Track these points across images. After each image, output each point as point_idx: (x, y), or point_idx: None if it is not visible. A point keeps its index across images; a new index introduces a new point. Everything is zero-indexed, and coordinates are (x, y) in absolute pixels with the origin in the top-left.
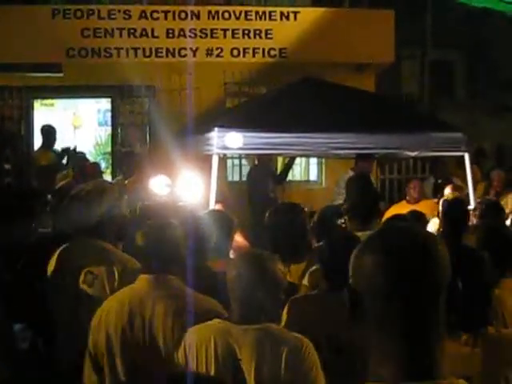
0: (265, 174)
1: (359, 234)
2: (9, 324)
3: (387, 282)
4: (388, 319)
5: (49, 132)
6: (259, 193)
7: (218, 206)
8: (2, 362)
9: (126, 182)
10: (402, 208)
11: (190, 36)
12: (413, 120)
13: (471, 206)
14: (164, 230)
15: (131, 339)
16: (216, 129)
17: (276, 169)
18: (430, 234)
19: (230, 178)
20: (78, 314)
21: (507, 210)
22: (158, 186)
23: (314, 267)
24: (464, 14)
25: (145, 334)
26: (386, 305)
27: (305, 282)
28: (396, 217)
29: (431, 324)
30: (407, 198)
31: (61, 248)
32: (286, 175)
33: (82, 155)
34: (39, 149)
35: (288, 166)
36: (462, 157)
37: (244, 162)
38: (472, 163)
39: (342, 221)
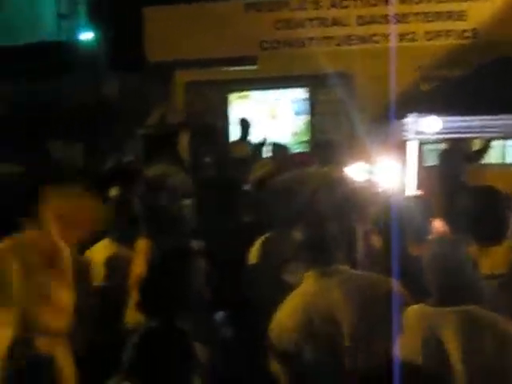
0: (457, 156)
1: None
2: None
3: None
4: None
5: (244, 124)
6: (450, 176)
7: (418, 192)
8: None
9: (325, 170)
10: None
11: (380, 22)
12: None
13: None
14: None
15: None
16: (411, 114)
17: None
18: None
19: (426, 163)
20: (278, 303)
21: None
22: (356, 172)
23: None
24: None
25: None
26: None
27: None
28: None
29: None
30: None
31: (264, 237)
32: (481, 157)
33: (279, 145)
34: (235, 141)
35: (484, 149)
36: None
37: (442, 146)
38: None
39: None
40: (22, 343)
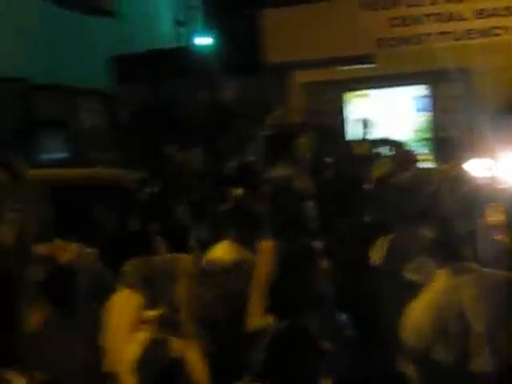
0: None
1: None
2: None
3: None
4: None
5: (365, 124)
6: None
7: None
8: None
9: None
10: None
11: (501, 14)
12: None
13: None
14: None
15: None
16: None
17: None
18: None
19: None
20: (402, 302)
21: None
22: (478, 169)
23: None
24: None
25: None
26: None
27: None
28: None
29: None
30: None
31: (387, 237)
32: None
33: (399, 143)
34: (356, 140)
35: None
36: None
37: None
38: None
39: None
40: (158, 345)
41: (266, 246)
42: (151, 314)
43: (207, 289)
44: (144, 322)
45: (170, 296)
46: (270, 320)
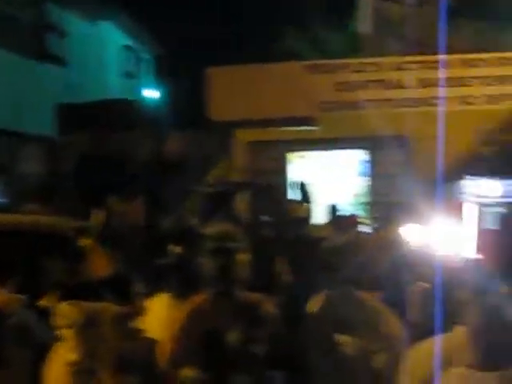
0: None
1: None
2: None
3: None
4: None
5: (304, 185)
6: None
7: (476, 255)
8: None
9: (383, 231)
10: None
11: (442, 85)
12: None
13: None
14: None
15: None
16: (470, 176)
17: None
18: None
19: (486, 226)
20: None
21: None
22: (413, 234)
23: None
24: None
25: None
26: None
27: None
28: None
29: None
30: None
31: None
32: None
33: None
34: (295, 200)
35: None
36: None
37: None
38: None
39: None
40: None
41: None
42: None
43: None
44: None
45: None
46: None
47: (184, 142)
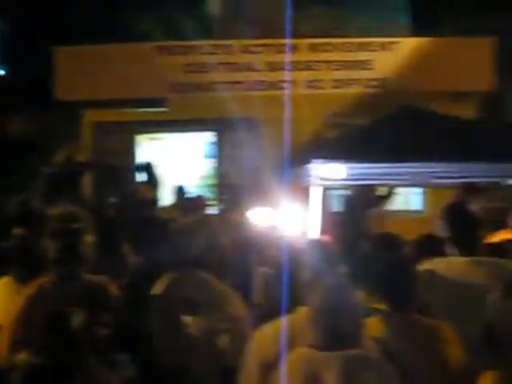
0: (360, 203)
1: (471, 259)
2: None
3: None
4: None
5: (150, 167)
6: (353, 222)
7: (324, 238)
8: None
9: (228, 214)
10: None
11: (290, 69)
12: None
13: None
14: None
15: None
16: (315, 160)
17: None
18: None
19: (334, 209)
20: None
21: None
22: (259, 217)
23: None
24: None
25: None
26: None
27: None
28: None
29: None
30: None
31: (167, 275)
32: (384, 205)
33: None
34: (141, 183)
35: (387, 196)
36: None
37: (347, 192)
38: None
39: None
40: None
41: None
42: None
43: None
44: None
45: None
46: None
47: (30, 121)
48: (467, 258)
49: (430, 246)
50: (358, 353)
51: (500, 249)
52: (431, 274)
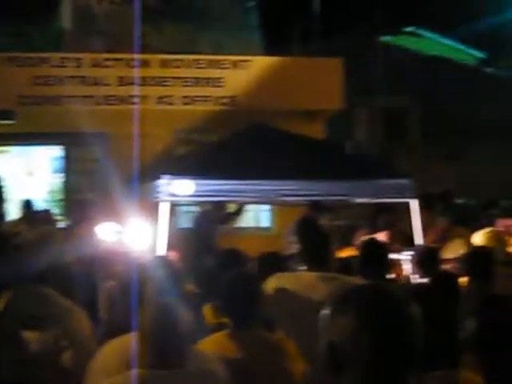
0: (209, 220)
1: (319, 275)
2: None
3: (369, 339)
4: (366, 372)
5: None
6: (201, 238)
7: (171, 254)
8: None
9: (76, 229)
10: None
11: (140, 84)
12: (360, 167)
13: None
14: None
15: None
16: (164, 176)
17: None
18: (403, 291)
19: (183, 225)
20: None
21: (452, 255)
22: (106, 232)
23: None
24: (418, 61)
25: None
26: (367, 359)
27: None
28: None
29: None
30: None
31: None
32: (233, 221)
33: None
34: None
35: (236, 213)
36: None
37: (197, 208)
38: (422, 209)
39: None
40: None
41: None
42: None
43: None
44: None
45: None
46: None
47: None
48: (316, 274)
49: (274, 262)
50: (194, 370)
51: (347, 265)
52: (279, 289)
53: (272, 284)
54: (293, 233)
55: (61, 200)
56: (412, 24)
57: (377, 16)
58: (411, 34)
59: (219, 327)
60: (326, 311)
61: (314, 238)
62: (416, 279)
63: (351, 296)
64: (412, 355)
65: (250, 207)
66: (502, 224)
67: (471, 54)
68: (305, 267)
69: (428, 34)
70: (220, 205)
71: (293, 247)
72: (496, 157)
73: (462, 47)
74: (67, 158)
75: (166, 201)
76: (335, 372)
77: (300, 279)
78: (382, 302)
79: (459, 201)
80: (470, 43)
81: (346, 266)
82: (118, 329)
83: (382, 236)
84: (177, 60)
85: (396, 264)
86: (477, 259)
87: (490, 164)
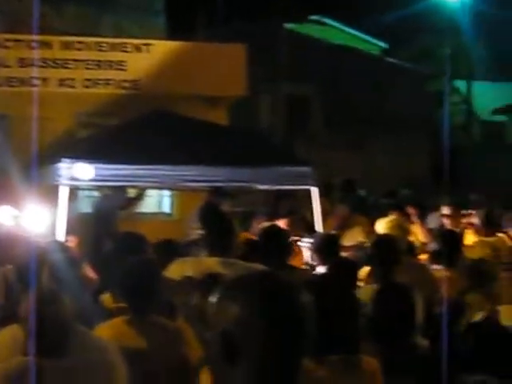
0: (109, 205)
1: (221, 260)
2: None
3: (259, 327)
4: (261, 360)
5: None
6: (101, 223)
7: (70, 239)
8: None
9: None
10: None
11: (41, 66)
12: (262, 154)
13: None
14: None
15: None
16: (65, 159)
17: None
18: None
19: (83, 210)
20: None
21: (351, 243)
22: (4, 216)
23: None
24: (323, 49)
25: None
26: (260, 348)
27: None
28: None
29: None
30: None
31: None
32: (133, 206)
33: None
34: None
35: (137, 198)
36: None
37: (97, 193)
38: (322, 197)
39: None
40: None
41: None
42: None
43: None
44: None
45: None
46: None
47: None
48: (217, 259)
49: (169, 249)
50: (82, 358)
51: (246, 249)
52: (180, 274)
53: (173, 269)
54: (196, 219)
55: None
56: (317, 13)
57: (282, 3)
58: (316, 22)
59: (118, 312)
60: (214, 298)
61: (217, 224)
62: (316, 266)
63: (239, 283)
64: (303, 342)
65: (151, 192)
66: (465, 220)
67: (375, 44)
68: (206, 253)
69: (333, 23)
70: (120, 189)
71: (195, 233)
72: (398, 146)
73: (366, 37)
74: None
75: (66, 185)
76: (229, 360)
77: (201, 264)
78: (270, 289)
79: (361, 191)
80: (374, 34)
81: (245, 250)
82: (14, 314)
83: (282, 223)
84: (79, 42)
85: (296, 251)
86: (381, 247)
87: (393, 153)
